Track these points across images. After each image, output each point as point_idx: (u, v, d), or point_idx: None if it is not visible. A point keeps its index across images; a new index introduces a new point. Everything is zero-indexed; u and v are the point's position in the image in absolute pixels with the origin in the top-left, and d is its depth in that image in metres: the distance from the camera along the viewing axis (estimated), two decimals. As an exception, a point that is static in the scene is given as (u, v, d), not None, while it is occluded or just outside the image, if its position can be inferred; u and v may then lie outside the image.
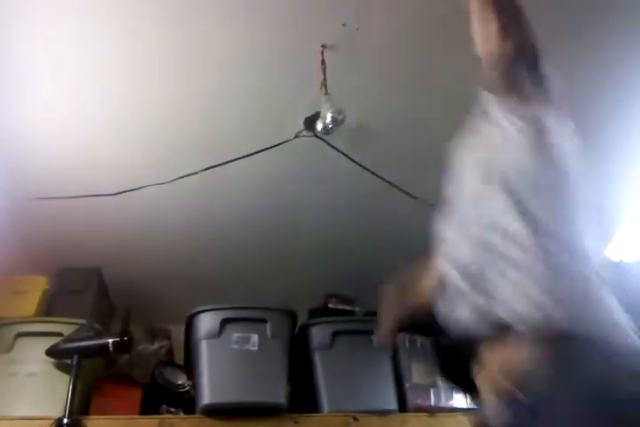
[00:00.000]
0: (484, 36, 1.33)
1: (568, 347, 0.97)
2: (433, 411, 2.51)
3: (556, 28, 1.88)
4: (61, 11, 1.89)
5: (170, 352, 2.73)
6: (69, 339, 2.32)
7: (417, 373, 2.61)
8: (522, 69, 1.27)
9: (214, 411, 2.30)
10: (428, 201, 2.60)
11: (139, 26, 1.96)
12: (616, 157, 2.53)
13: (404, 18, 2.00)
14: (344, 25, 1.99)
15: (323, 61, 2.05)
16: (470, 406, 2.56)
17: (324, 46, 2.04)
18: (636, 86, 2.28)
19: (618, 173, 2.59)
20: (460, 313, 1.13)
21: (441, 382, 2.59)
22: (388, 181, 2.52)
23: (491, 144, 1.24)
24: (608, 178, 2.61)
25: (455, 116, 2.33)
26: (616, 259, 2.75)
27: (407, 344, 2.66)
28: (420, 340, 2.68)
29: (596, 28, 2.03)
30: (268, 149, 2.33)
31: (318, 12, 1.98)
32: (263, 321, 2.47)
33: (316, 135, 2.28)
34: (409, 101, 2.29)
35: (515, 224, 1.08)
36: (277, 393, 2.36)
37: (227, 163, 2.37)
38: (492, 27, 1.30)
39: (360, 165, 2.45)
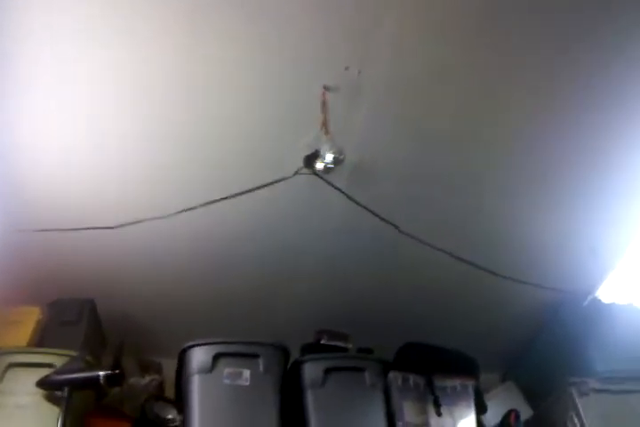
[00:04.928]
0: None
1: None
2: (424, 451, 2.50)
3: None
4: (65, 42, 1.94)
5: (161, 386, 2.71)
6: (60, 371, 2.30)
7: (409, 411, 2.59)
8: None
9: (204, 448, 2.27)
10: (424, 240, 2.64)
11: (141, 66, 2.01)
12: (612, 201, 2.57)
13: (406, 62, 2.05)
14: (346, 68, 2.04)
15: (324, 103, 2.09)
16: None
17: (325, 88, 2.09)
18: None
19: (612, 217, 2.63)
20: None
21: (433, 421, 2.58)
22: (386, 220, 2.54)
23: None
24: (602, 221, 2.65)
25: (452, 157, 2.40)
26: (608, 301, 2.77)
27: (400, 382, 2.65)
28: (412, 378, 2.68)
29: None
30: (267, 185, 2.36)
31: (321, 55, 2.02)
32: (256, 356, 2.47)
33: (315, 173, 2.32)
34: (408, 143, 2.34)
35: None
36: (268, 430, 2.35)
37: (226, 198, 2.40)
38: None
39: (358, 204, 2.48)
